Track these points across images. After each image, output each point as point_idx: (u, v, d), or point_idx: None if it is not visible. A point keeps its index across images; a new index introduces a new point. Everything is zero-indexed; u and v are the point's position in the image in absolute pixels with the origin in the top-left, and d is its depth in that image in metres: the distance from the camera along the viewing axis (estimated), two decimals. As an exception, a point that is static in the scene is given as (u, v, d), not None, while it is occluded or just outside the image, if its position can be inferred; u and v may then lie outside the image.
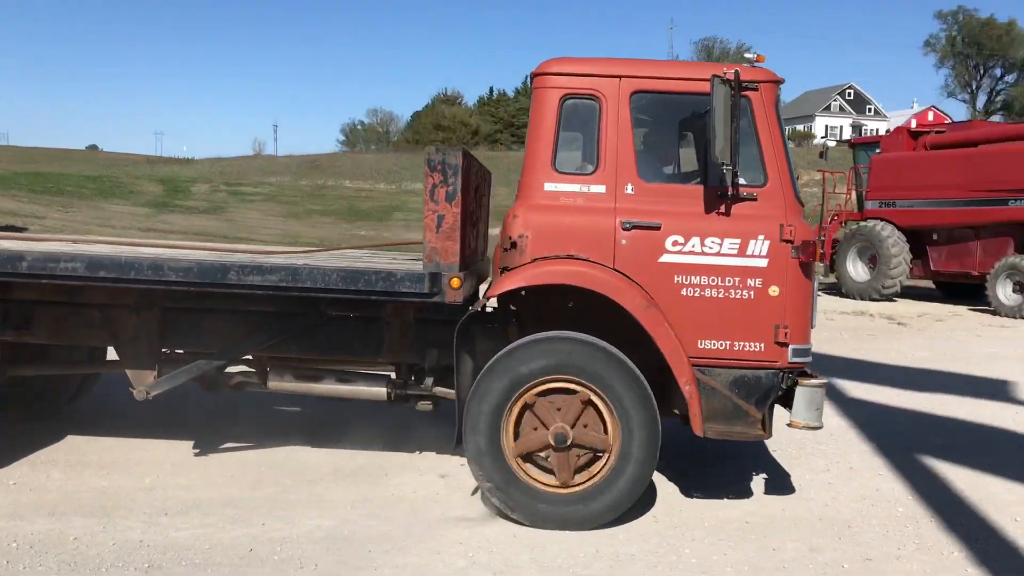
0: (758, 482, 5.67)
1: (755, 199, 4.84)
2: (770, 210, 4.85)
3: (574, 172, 4.99)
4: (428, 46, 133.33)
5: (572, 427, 4.68)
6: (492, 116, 72.00)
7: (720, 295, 4.82)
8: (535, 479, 4.74)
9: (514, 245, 4.89)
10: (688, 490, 5.41)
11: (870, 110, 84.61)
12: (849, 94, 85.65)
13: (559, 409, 4.72)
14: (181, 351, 5.53)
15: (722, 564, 4.33)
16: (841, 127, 75.76)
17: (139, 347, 5.31)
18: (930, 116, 54.70)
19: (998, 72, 71.80)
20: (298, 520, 4.72)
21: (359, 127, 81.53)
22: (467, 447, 4.74)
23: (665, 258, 4.83)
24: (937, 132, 19.28)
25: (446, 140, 64.53)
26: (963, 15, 73.51)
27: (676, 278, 4.82)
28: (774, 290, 4.79)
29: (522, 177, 5.02)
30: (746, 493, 5.45)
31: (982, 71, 71.91)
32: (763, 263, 4.80)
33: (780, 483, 5.67)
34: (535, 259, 4.85)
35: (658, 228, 4.82)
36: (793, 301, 4.81)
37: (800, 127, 77.00)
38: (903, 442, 6.69)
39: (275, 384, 5.53)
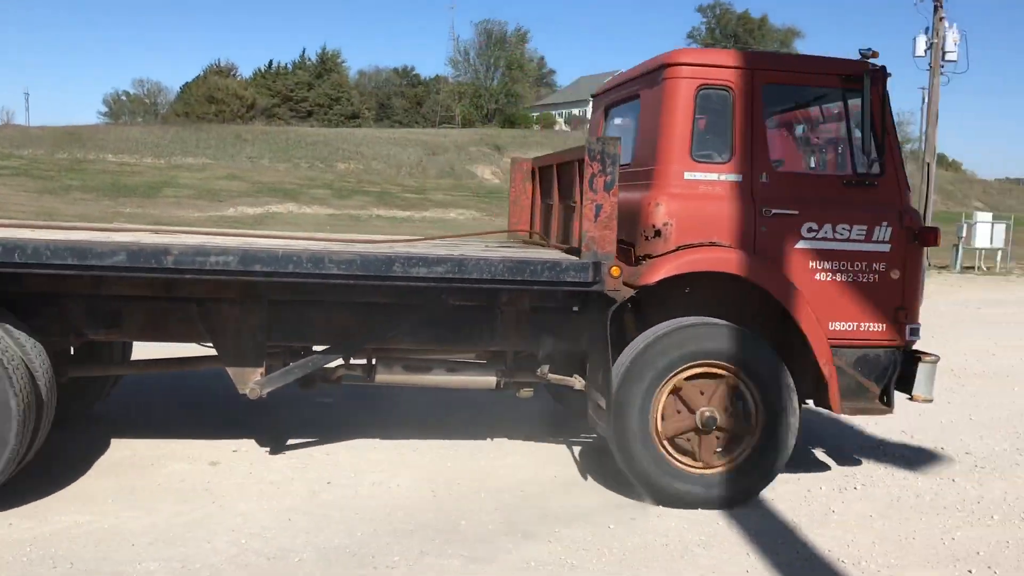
0: (529, 451, 5.87)
1: (876, 187, 5.10)
2: (889, 198, 5.13)
3: (710, 161, 5.07)
4: (198, 14, 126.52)
5: (719, 411, 4.85)
6: (269, 90, 69.52)
7: (848, 279, 5.09)
8: (680, 461, 4.88)
9: (658, 233, 4.94)
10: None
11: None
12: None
13: (702, 393, 4.88)
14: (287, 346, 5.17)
15: (496, 533, 4.45)
16: (614, 112, 79.05)
17: (242, 343, 4.93)
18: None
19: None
20: (52, 517, 4.38)
21: (123, 98, 76.21)
22: (613, 429, 4.80)
23: (801, 244, 5.06)
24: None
25: (219, 113, 61.75)
26: (720, 9, 78.98)
27: (811, 263, 5.07)
28: (895, 274, 5.12)
29: (658, 165, 5.03)
30: (521, 464, 5.61)
31: (712, 46, 77.63)
32: (886, 248, 5.11)
33: (551, 452, 5.90)
34: (679, 247, 4.93)
35: (795, 215, 5.03)
36: (911, 284, 5.15)
37: (576, 111, 79.86)
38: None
39: (383, 377, 5.31)
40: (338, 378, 5.37)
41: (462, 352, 5.45)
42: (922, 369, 5.18)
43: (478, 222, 32.89)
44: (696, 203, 5.01)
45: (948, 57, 27.17)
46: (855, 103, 5.06)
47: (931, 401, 5.32)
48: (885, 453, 6.19)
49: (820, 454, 6.12)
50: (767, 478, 5.01)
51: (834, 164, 5.36)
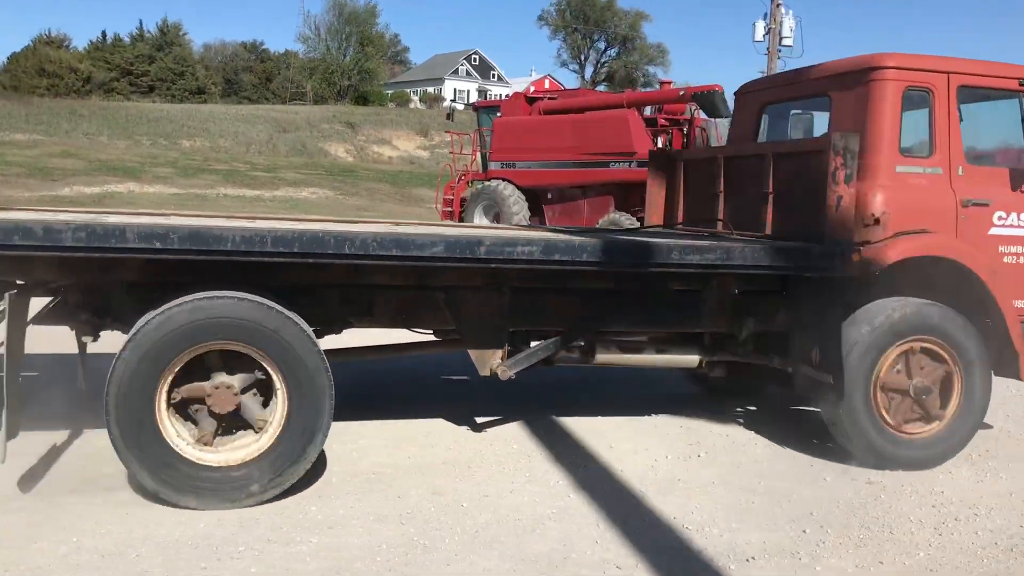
0: (388, 434, 5.79)
1: None
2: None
3: (915, 156, 5.67)
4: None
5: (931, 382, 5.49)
6: (107, 63, 65.84)
7: (1017, 261, 5.79)
8: (894, 427, 5.49)
9: (877, 221, 5.41)
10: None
11: (494, 76, 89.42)
12: (475, 59, 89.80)
13: (920, 366, 5.50)
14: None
15: (348, 517, 4.37)
16: (468, 91, 79.32)
17: (486, 328, 5.21)
18: (547, 84, 58.99)
19: (602, 45, 79.20)
20: None
21: (-61, 67, 70.41)
22: (838, 401, 5.31)
23: (992, 231, 5.71)
24: (550, 98, 20.80)
25: (52, 87, 58.06)
26: (571, -10, 79.93)
27: (1000, 247, 5.73)
28: None
29: (871, 158, 5.51)
30: (376, 446, 5.54)
31: (589, 44, 78.89)
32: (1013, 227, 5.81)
33: (406, 432, 5.85)
34: (896, 234, 5.44)
35: (987, 205, 5.68)
36: None
37: (431, 89, 79.44)
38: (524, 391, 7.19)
39: (603, 358, 5.63)
40: (557, 361, 5.59)
41: (666, 333, 5.81)
42: None
43: (333, 201, 32.21)
44: (907, 194, 5.56)
45: (785, 42, 28.55)
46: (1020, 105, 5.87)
47: None
48: (727, 424, 6.44)
49: (668, 427, 6.31)
50: (967, 441, 5.68)
51: (1015, 160, 6.03)
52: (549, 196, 19.68)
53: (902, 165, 5.62)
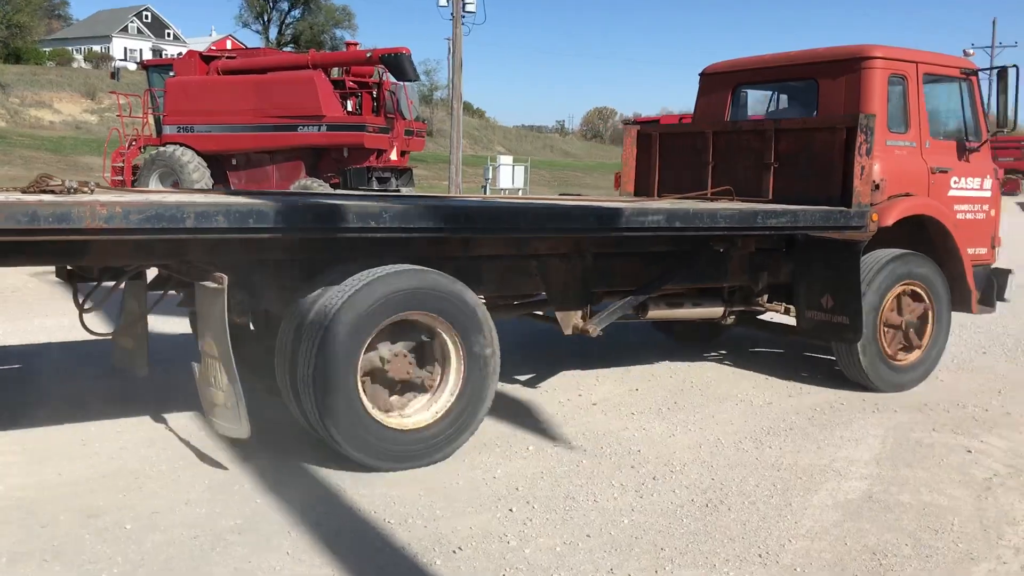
0: (30, 446, 4.86)
1: (980, 152, 7.17)
2: (984, 158, 7.24)
3: (897, 132, 6.67)
4: None
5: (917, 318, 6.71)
6: None
7: (972, 217, 7.11)
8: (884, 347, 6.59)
9: (877, 187, 6.31)
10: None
11: (169, 35, 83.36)
12: (146, 16, 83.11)
13: (909, 306, 6.69)
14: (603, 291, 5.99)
15: (-28, 562, 3.51)
16: (141, 50, 73.19)
17: (570, 291, 5.74)
18: (228, 45, 55.75)
19: (285, 6, 76.05)
20: None
21: None
22: (853, 334, 6.21)
23: (951, 192, 6.94)
24: (228, 57, 19.43)
25: None
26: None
27: (956, 206, 6.97)
28: (992, 212, 7.27)
29: None
30: (14, 464, 4.61)
31: (272, 4, 75.50)
32: (988, 194, 7.23)
33: (54, 442, 4.94)
34: (890, 197, 6.50)
35: (948, 172, 6.90)
36: (998, 219, 7.36)
37: (97, 48, 72.43)
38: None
39: (654, 313, 6.25)
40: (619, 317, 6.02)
41: (699, 288, 6.53)
42: (1011, 278, 7.34)
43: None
44: (895, 163, 6.61)
45: (468, 8, 28.85)
46: (967, 90, 7.20)
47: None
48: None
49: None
50: (936, 364, 6.96)
51: (959, 134, 7.20)
52: (234, 162, 18.48)
53: (890, 139, 6.64)
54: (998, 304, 7.33)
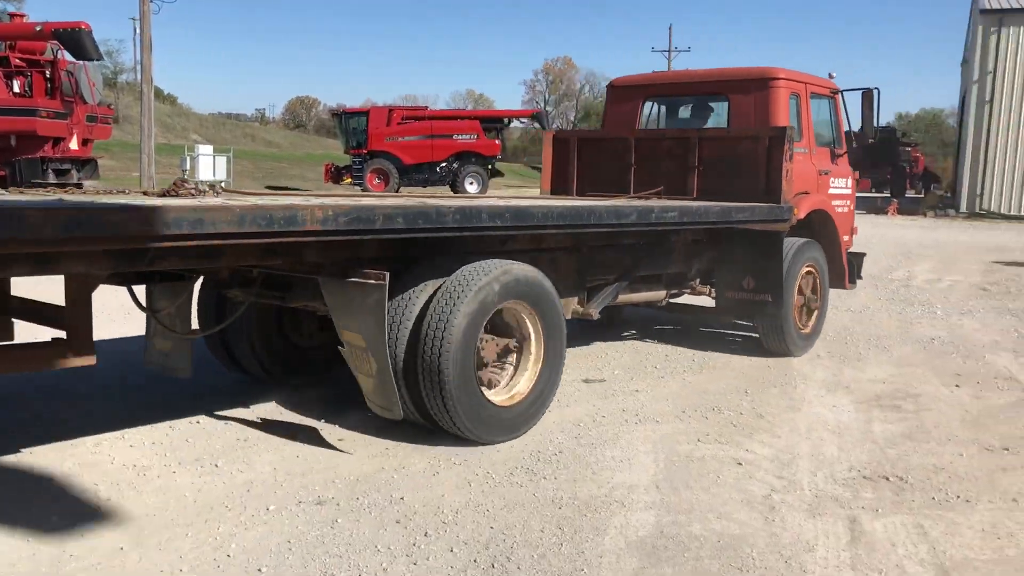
0: None
1: (843, 156, 8.78)
2: (846, 163, 8.83)
3: (796, 140, 7.64)
4: None
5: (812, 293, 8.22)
6: None
7: (842, 211, 8.67)
8: (796, 319, 7.99)
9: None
10: None
11: None
12: None
13: (807, 283, 8.11)
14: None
15: None
16: None
17: (570, 280, 6.46)
18: None
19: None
20: None
21: None
22: (778, 312, 7.48)
23: (830, 191, 8.48)
24: None
25: None
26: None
27: (834, 202, 8.49)
28: (852, 207, 8.98)
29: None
30: None
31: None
32: (850, 192, 8.88)
33: None
34: (796, 194, 7.71)
35: (828, 174, 8.45)
36: (854, 213, 9.06)
37: None
38: None
39: (624, 298, 7.18)
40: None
41: (652, 275, 7.43)
42: (864, 260, 9.22)
43: None
44: (797, 167, 7.53)
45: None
46: (833, 107, 8.71)
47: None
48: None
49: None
50: (819, 333, 8.41)
51: (830, 143, 8.70)
52: None
53: (796, 147, 7.55)
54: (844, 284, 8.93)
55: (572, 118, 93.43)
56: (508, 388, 5.44)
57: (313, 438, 5.27)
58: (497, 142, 36.61)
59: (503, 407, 5.27)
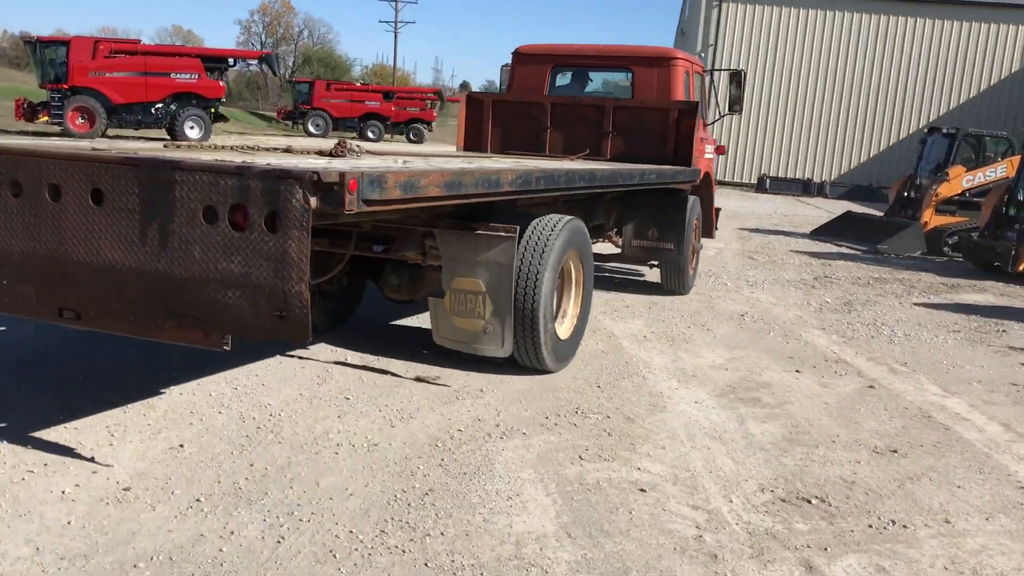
0: None
1: (710, 127, 10.28)
2: (708, 132, 10.06)
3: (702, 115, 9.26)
4: None
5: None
6: None
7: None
8: (689, 264, 9.34)
9: None
10: None
11: None
12: None
13: (694, 233, 9.51)
14: None
15: None
16: None
17: None
18: None
19: None
20: None
21: None
22: (680, 257, 8.79)
23: (705, 156, 9.53)
24: None
25: None
26: None
27: (710, 167, 9.93)
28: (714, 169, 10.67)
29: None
30: None
31: None
32: (713, 156, 10.17)
33: None
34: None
35: (704, 140, 9.33)
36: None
37: None
38: None
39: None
40: None
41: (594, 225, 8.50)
42: (720, 214, 11.34)
43: None
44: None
45: None
46: (703, 83, 10.20)
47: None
48: None
49: None
50: (696, 274, 9.99)
51: (703, 115, 9.65)
52: None
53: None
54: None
55: (291, 63, 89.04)
56: (564, 321, 6.24)
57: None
58: (221, 84, 33.46)
59: (563, 340, 6.11)
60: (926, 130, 17.52)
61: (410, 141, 48.74)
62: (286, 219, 3.23)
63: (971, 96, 33.88)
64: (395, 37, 68.39)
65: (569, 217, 6.06)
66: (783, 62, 34.09)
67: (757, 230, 17.71)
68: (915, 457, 4.95)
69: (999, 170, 15.29)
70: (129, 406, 4.86)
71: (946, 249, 14.98)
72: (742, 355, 7.07)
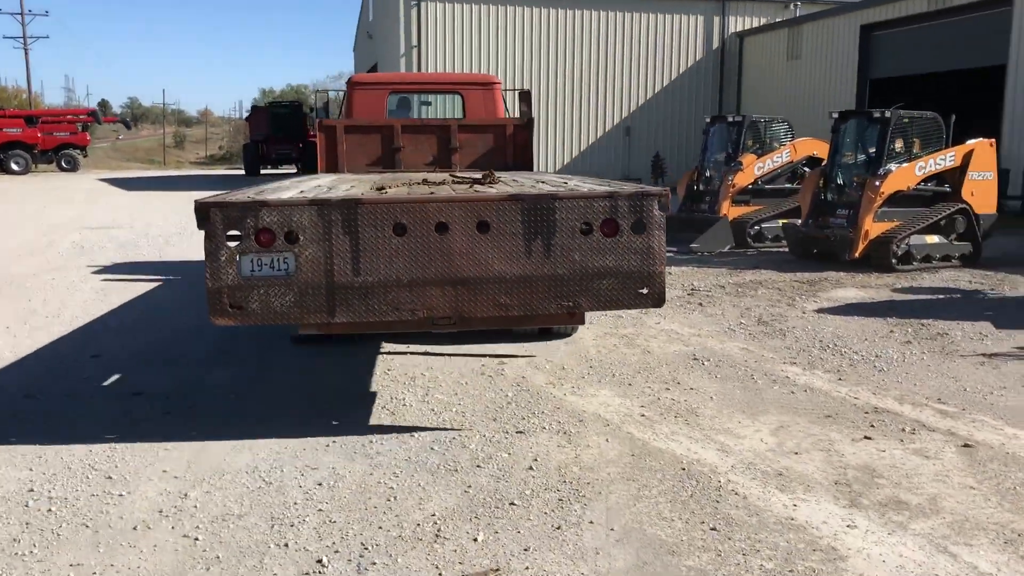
0: None
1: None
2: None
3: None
4: None
5: None
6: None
7: None
8: None
9: None
10: None
11: None
12: None
13: None
14: None
15: None
16: None
17: None
18: None
19: None
20: None
21: None
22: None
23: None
24: None
25: None
26: None
27: None
28: None
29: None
30: None
31: None
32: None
33: None
34: None
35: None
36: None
37: None
38: None
39: None
40: None
41: None
42: None
43: None
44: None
45: None
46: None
47: None
48: None
49: None
50: None
51: None
52: None
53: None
54: None
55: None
56: None
57: None
58: None
59: None
60: (707, 119, 17.07)
61: (62, 169, 43.03)
62: (650, 224, 4.81)
63: (664, 85, 35.45)
64: (26, 54, 59.18)
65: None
66: (489, 60, 33.52)
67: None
68: None
69: (784, 155, 15.23)
70: None
71: (749, 240, 14.64)
72: (775, 423, 5.54)
